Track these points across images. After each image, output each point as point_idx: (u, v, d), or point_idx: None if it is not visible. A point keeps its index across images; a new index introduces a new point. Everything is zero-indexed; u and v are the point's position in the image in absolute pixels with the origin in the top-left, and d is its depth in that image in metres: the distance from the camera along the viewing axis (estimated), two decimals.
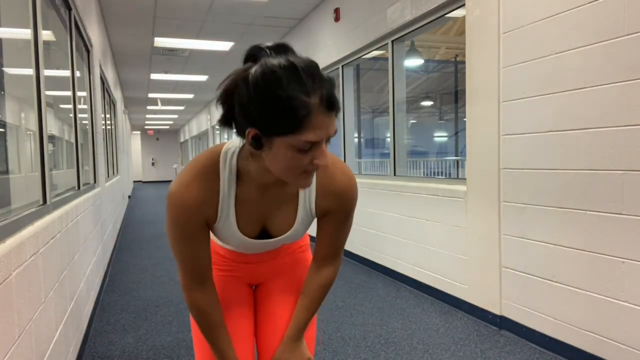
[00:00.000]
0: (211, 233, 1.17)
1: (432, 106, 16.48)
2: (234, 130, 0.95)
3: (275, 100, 0.83)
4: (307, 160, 0.90)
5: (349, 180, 1.13)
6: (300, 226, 1.16)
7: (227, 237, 1.15)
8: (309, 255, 1.43)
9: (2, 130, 2.17)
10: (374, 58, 5.23)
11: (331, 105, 0.88)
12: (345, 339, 3.00)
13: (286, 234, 1.16)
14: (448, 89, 14.74)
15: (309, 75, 0.85)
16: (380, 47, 4.65)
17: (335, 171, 1.12)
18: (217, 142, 14.54)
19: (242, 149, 1.03)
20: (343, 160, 5.55)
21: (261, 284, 1.41)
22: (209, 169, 1.03)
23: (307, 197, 1.12)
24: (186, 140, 23.61)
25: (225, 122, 0.94)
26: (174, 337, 3.09)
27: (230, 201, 1.06)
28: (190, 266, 1.11)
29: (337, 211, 1.15)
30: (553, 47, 2.60)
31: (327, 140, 0.90)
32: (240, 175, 1.05)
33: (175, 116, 19.65)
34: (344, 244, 1.26)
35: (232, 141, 1.06)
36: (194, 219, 1.05)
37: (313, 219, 1.18)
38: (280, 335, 1.28)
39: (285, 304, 1.34)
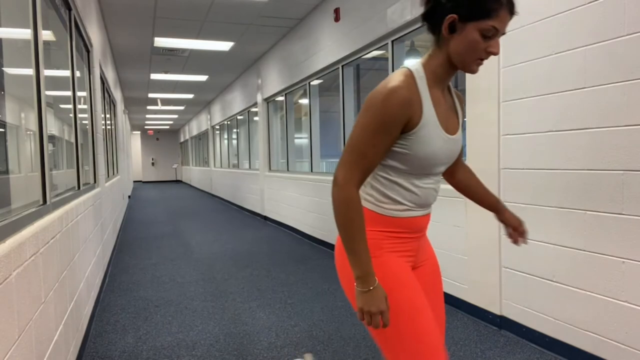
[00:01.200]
0: (398, 161, 1.29)
1: None
2: (429, 25, 1.26)
3: None
4: (485, 47, 1.20)
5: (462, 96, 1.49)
6: (461, 127, 1.40)
7: (429, 138, 1.26)
8: None
9: (2, 130, 2.16)
10: (374, 58, 5.22)
11: (512, 10, 1.20)
12: (345, 339, 3.00)
13: (457, 134, 1.36)
14: None
15: None
16: (380, 47, 4.65)
17: (455, 90, 1.44)
18: (217, 142, 14.55)
19: (422, 61, 1.29)
20: None
21: (418, 270, 1.48)
22: (410, 76, 1.25)
23: (458, 104, 1.42)
24: (186, 140, 23.62)
25: (429, 13, 1.24)
26: (174, 337, 3.09)
27: (428, 100, 1.26)
28: (367, 161, 1.22)
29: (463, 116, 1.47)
30: (553, 47, 2.60)
31: (500, 35, 1.20)
32: (427, 78, 1.27)
33: (175, 116, 19.66)
34: None
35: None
36: (401, 112, 1.21)
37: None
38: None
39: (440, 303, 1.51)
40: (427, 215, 1.41)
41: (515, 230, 1.56)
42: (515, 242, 1.57)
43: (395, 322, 1.28)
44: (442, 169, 1.36)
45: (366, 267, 1.21)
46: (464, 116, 1.45)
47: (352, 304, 1.33)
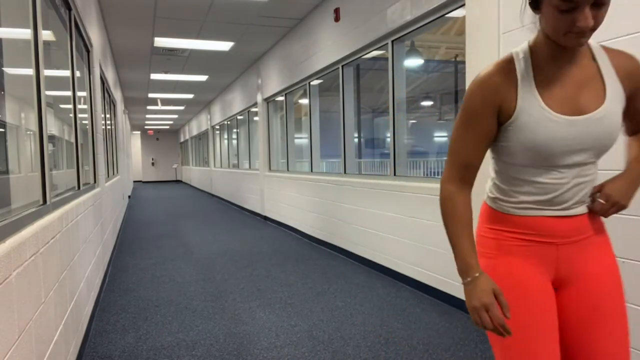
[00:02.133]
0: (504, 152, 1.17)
1: (432, 106, 16.48)
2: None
3: None
4: (568, 22, 1.03)
5: (634, 57, 1.22)
6: (612, 100, 1.14)
7: (532, 124, 1.10)
8: (608, 239, 1.27)
9: (2, 130, 2.16)
10: (374, 58, 5.22)
11: None
12: (345, 339, 3.00)
13: (601, 108, 1.12)
14: (448, 89, 14.74)
15: None
16: (380, 47, 4.65)
17: (619, 53, 1.22)
18: (217, 142, 14.55)
19: (530, 39, 1.17)
20: (343, 160, 5.55)
21: (565, 290, 1.21)
22: (505, 61, 1.16)
23: (609, 73, 1.17)
24: (186, 140, 23.62)
25: None
26: (174, 337, 3.09)
27: (529, 82, 1.13)
28: (461, 157, 1.18)
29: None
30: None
31: (593, 6, 1.01)
32: (534, 58, 1.15)
33: (175, 116, 19.65)
34: None
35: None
36: (485, 101, 1.13)
37: (623, 97, 1.17)
38: None
39: (614, 336, 1.17)
40: (569, 218, 1.16)
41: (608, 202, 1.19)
42: (599, 208, 1.19)
43: (499, 340, 1.15)
44: (579, 158, 1.12)
45: (465, 258, 1.14)
46: (629, 82, 1.18)
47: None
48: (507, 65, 1.14)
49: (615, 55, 1.19)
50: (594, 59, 1.17)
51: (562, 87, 1.13)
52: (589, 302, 1.19)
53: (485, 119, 1.14)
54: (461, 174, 1.19)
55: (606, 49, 1.19)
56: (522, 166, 1.16)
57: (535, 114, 1.11)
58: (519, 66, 1.14)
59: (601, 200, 1.18)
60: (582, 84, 1.14)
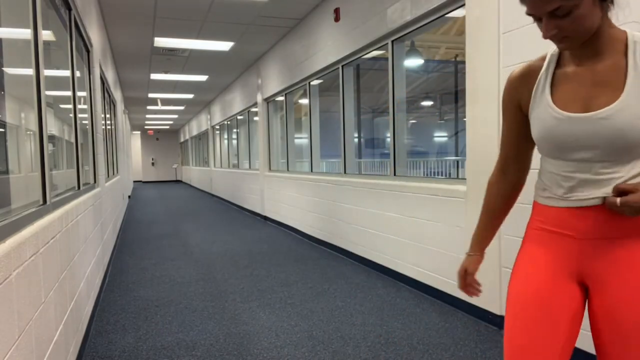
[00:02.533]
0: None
1: (432, 106, 16.48)
2: None
3: None
4: (541, 29, 1.11)
5: None
6: (629, 100, 1.04)
7: (539, 118, 1.17)
8: None
9: (2, 130, 2.16)
10: (374, 58, 5.22)
11: None
12: (345, 339, 3.00)
13: (608, 108, 1.05)
14: (448, 89, 14.75)
15: None
16: (380, 47, 4.65)
17: None
18: (217, 142, 14.54)
19: None
20: (343, 160, 5.56)
21: (593, 290, 1.16)
22: (537, 59, 1.23)
23: (637, 62, 1.07)
24: (186, 140, 23.62)
25: None
26: (174, 337, 3.09)
27: (547, 80, 1.18)
28: (501, 146, 1.34)
29: None
30: (553, 47, 2.60)
31: (554, 16, 1.06)
32: (562, 55, 1.20)
33: (175, 116, 19.66)
34: None
35: None
36: (507, 96, 1.26)
37: None
38: None
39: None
40: (584, 212, 1.11)
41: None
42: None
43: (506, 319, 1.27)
44: (586, 155, 1.09)
45: (473, 237, 1.40)
46: None
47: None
48: (535, 63, 1.21)
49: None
50: (626, 54, 1.08)
51: (577, 84, 1.12)
52: (609, 309, 1.13)
53: (510, 111, 1.26)
54: (502, 164, 1.35)
55: None
56: (544, 155, 1.22)
57: (541, 109, 1.16)
58: (546, 63, 1.20)
59: (613, 195, 1.08)
60: (601, 82, 1.08)
